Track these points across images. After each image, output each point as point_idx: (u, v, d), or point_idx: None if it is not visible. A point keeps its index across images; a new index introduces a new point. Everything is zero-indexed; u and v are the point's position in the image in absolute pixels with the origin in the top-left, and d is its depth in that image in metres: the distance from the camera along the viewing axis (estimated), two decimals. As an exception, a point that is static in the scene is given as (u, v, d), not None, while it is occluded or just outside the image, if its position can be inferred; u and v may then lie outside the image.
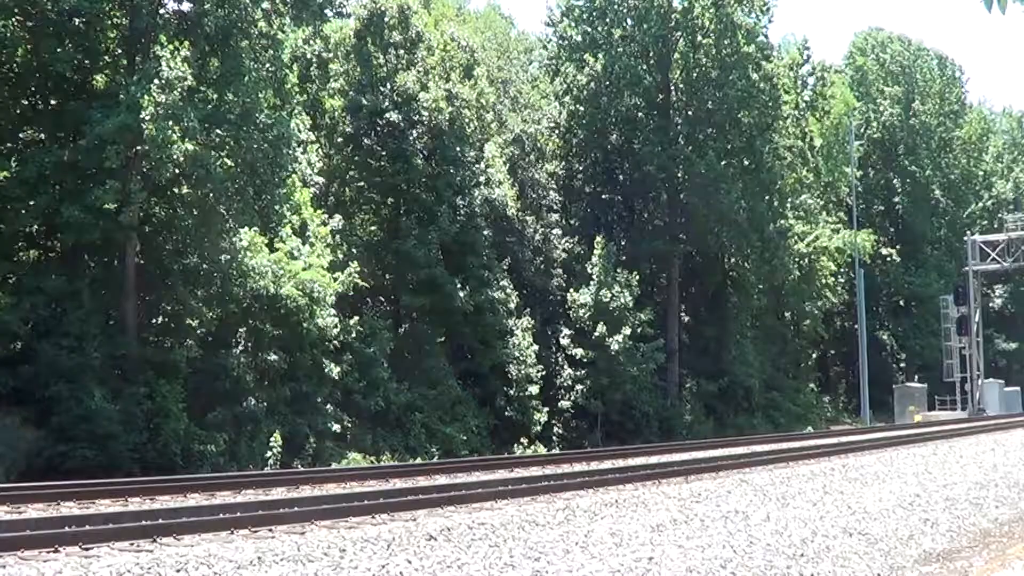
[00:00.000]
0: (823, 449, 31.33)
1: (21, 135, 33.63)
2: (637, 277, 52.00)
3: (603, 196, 60.76)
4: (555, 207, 56.69)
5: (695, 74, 60.44)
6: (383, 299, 47.63)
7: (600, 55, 59.05)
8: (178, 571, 11.34)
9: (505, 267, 47.95)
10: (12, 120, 33.27)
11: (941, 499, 22.06)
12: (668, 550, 14.35)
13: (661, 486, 21.61)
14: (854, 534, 17.17)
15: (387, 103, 44.81)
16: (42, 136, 33.47)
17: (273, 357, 34.86)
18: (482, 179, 47.91)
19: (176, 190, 33.13)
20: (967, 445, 35.03)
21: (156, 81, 30.88)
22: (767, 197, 60.68)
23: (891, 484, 23.74)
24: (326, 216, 41.05)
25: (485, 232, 47.36)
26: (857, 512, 19.29)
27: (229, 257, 34.01)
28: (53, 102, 33.74)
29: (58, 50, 31.99)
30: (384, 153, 45.14)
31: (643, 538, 15.12)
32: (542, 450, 43.47)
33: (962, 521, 20.00)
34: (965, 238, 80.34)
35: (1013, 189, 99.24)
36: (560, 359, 50.85)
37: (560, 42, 63.38)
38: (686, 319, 61.69)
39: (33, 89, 33.97)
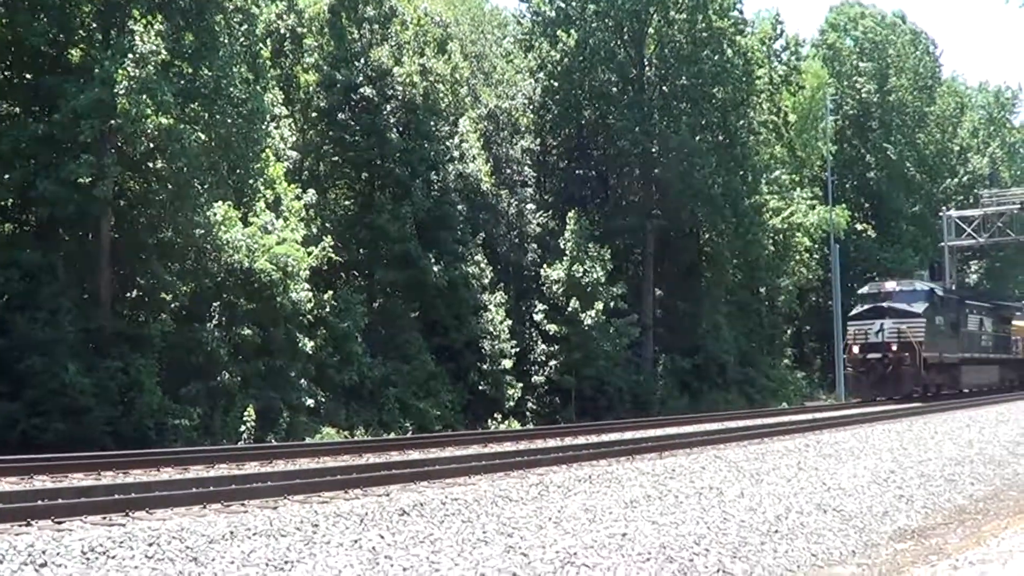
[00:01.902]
0: (797, 425, 31.43)
1: (-5, 109, 33.50)
2: (610, 252, 51.93)
3: (577, 171, 60.69)
4: (529, 182, 56.56)
5: (669, 49, 60.38)
6: (357, 274, 47.50)
7: (574, 31, 58.95)
8: (150, 545, 11.30)
9: (479, 242, 47.85)
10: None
11: (916, 475, 22.13)
12: (642, 526, 14.36)
13: (635, 462, 21.64)
14: (828, 511, 17.20)
15: (361, 78, 44.65)
16: (17, 110, 33.32)
17: (247, 331, 34.72)
18: (456, 154, 47.78)
19: (151, 164, 32.95)
20: (942, 421, 35.16)
21: (130, 55, 30.74)
22: (741, 172, 60.68)
23: (866, 460, 23.81)
24: (300, 190, 40.91)
25: (459, 207, 47.27)
26: (832, 489, 19.34)
27: (203, 231, 33.88)
28: (28, 76, 33.56)
29: (33, 24, 31.79)
30: (358, 128, 44.97)
31: (616, 514, 15.12)
32: (516, 425, 43.47)
33: (937, 498, 20.05)
34: (940, 214, 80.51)
35: (989, 164, 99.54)
36: (534, 334, 50.76)
37: (534, 18, 63.23)
38: (660, 294, 61.66)
39: (8, 63, 33.78)
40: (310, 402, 36.15)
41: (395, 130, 45.47)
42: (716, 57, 58.77)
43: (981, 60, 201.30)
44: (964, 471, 23.59)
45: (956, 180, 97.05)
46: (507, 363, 46.27)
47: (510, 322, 47.80)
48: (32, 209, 32.03)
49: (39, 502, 13.34)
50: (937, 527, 17.39)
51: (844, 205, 78.95)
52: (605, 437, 26.34)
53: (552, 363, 49.66)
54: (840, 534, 15.68)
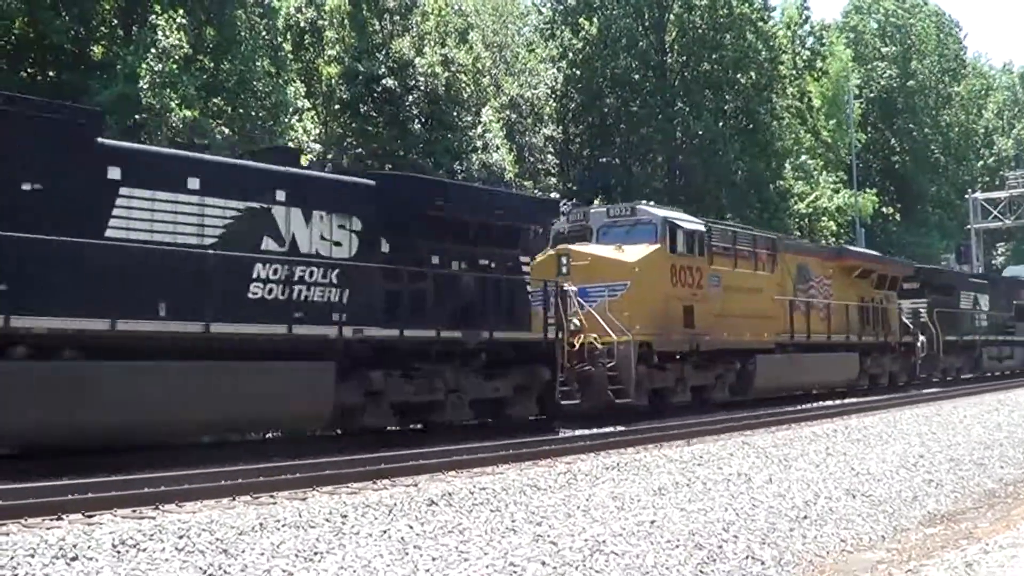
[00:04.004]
0: (826, 410, 31.39)
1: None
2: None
3: (601, 159, 60.68)
4: (553, 171, 56.54)
5: (690, 36, 60.30)
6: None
7: (595, 18, 58.91)
8: (180, 537, 11.33)
9: (504, 232, 47.80)
10: (11, 91, 33.15)
11: (945, 460, 22.04)
12: (670, 513, 14.34)
13: (663, 449, 21.62)
14: (857, 496, 17.15)
15: (383, 69, 44.69)
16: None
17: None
18: (479, 144, 47.77)
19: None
20: (970, 404, 35.01)
21: (153, 50, 30.86)
22: (766, 158, 60.56)
23: (894, 445, 23.74)
24: (324, 183, 40.91)
25: (484, 197, 47.25)
26: (860, 474, 19.28)
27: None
28: (51, 73, 33.71)
29: (55, 21, 31.92)
30: (381, 120, 45.03)
31: (645, 501, 15.11)
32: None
33: (966, 482, 19.96)
34: (966, 196, 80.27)
35: (1015, 146, 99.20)
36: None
37: (555, 5, 63.20)
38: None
39: (31, 60, 33.91)
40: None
41: (418, 121, 45.52)
42: (738, 42, 58.65)
43: (1006, 41, 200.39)
44: (993, 455, 23.48)
45: (982, 162, 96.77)
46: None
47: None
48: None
49: (69, 496, 13.40)
50: (967, 511, 17.32)
51: (873, 191, 78.62)
52: (632, 424, 26.34)
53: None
54: (869, 519, 15.63)
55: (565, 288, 26.81)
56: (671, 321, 29.57)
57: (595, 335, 27.14)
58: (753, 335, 33.19)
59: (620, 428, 24.92)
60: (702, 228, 31.39)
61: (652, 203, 34.45)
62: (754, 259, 34.32)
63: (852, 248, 48.05)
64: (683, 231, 30.26)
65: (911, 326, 45.87)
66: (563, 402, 25.59)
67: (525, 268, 25.61)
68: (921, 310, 47.10)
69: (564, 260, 28.53)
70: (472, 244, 23.59)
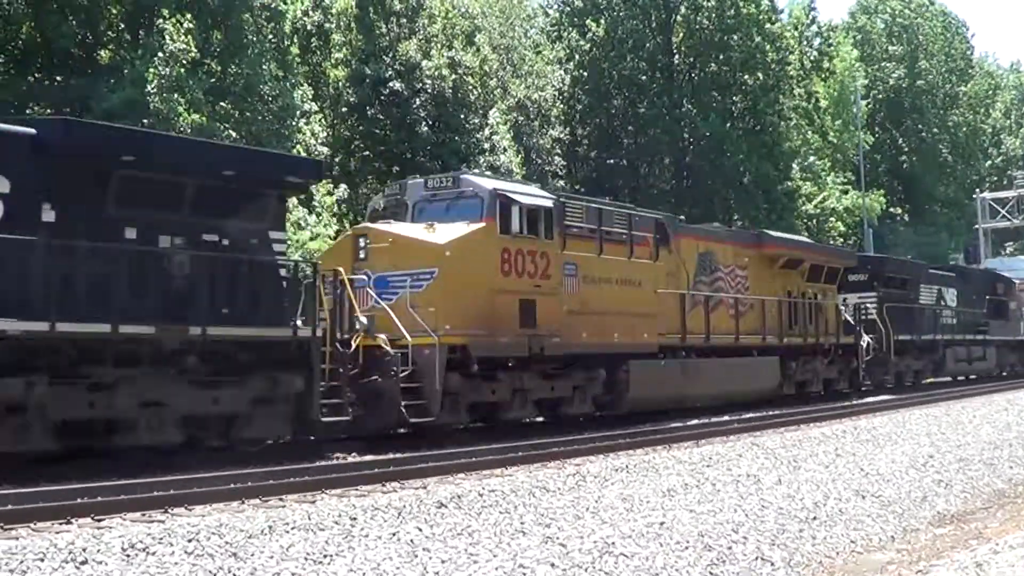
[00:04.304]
0: (834, 411, 31.33)
1: (28, 111, 33.65)
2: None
3: (608, 160, 60.71)
4: (560, 172, 56.57)
5: (697, 37, 60.32)
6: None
7: (602, 20, 58.94)
8: (190, 541, 11.34)
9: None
10: (19, 96, 33.29)
11: (954, 460, 22.02)
12: (679, 515, 14.34)
13: (672, 450, 21.62)
14: (867, 496, 17.13)
15: (390, 72, 44.75)
16: (49, 112, 33.50)
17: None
18: (487, 146, 47.80)
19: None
20: (979, 404, 34.97)
21: (160, 55, 30.91)
22: (773, 159, 60.55)
23: (903, 445, 23.71)
24: (331, 186, 41.01)
25: (491, 199, 47.30)
26: (870, 474, 19.26)
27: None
28: (59, 78, 33.78)
29: (62, 26, 31.99)
30: (388, 122, 45.09)
31: (654, 503, 15.11)
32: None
33: (976, 482, 19.93)
34: (974, 196, 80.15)
35: (1022, 145, 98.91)
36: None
37: (562, 7, 63.25)
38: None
39: (39, 65, 33.99)
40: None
41: (425, 124, 45.57)
42: (745, 43, 58.65)
43: (1013, 41, 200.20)
44: (1003, 455, 23.45)
45: (989, 162, 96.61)
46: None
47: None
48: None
49: (79, 500, 13.41)
50: (976, 511, 17.30)
51: (880, 191, 78.54)
52: (642, 426, 26.32)
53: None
54: (879, 520, 15.62)
55: (352, 277, 22.08)
56: (500, 319, 23.46)
57: (385, 336, 21.63)
58: (626, 336, 27.09)
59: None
60: (548, 204, 25.06)
61: (486, 172, 29.97)
62: (630, 243, 27.73)
63: (774, 233, 38.91)
64: (520, 207, 24.16)
65: (855, 325, 39.52)
66: (327, 419, 20.04)
67: (279, 247, 20.51)
68: (869, 306, 41.12)
69: (362, 242, 23.26)
70: (191, 214, 18.51)
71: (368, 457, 19.18)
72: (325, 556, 11.17)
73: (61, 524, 12.34)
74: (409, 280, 22.50)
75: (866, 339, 39.74)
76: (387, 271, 22.80)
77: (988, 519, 16.51)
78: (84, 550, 10.74)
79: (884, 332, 40.80)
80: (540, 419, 27.12)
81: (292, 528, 12.25)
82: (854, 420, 29.01)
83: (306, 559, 11.01)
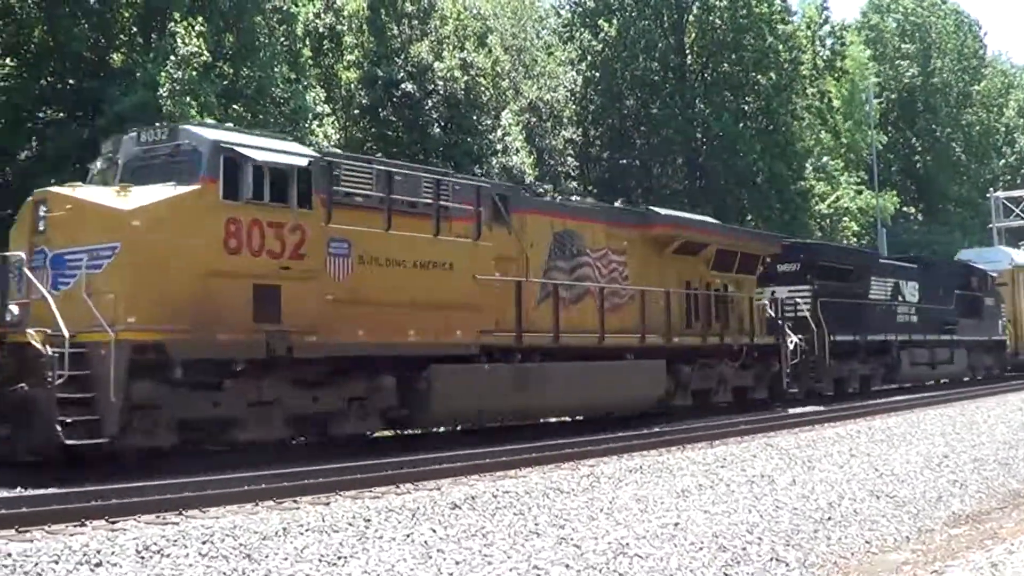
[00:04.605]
0: (848, 411, 31.28)
1: (41, 115, 33.74)
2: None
3: (621, 161, 60.65)
4: (573, 173, 56.55)
5: (710, 37, 60.29)
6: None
7: (614, 20, 58.94)
8: (204, 543, 11.36)
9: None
10: (31, 100, 33.34)
11: (969, 460, 21.98)
12: (694, 515, 14.33)
13: (685, 451, 21.63)
14: (881, 497, 17.11)
15: (402, 74, 44.75)
16: (62, 115, 33.59)
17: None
18: (499, 147, 47.76)
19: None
20: (994, 404, 34.93)
21: (172, 58, 30.93)
22: (786, 158, 60.45)
23: (918, 445, 23.68)
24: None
25: (504, 200, 47.32)
26: (884, 475, 19.24)
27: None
28: (71, 82, 33.82)
29: (74, 30, 32.03)
30: (401, 124, 45.08)
31: (668, 504, 15.10)
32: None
33: (991, 482, 19.89)
34: (988, 195, 79.99)
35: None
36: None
37: (574, 8, 63.26)
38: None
39: (51, 68, 34.02)
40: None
41: (437, 125, 45.53)
42: (758, 43, 58.59)
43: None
44: (1018, 455, 23.39)
45: (1003, 161, 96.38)
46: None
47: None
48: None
49: (93, 502, 13.44)
50: (992, 511, 17.26)
51: (893, 192, 78.41)
52: (655, 427, 26.31)
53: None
54: (894, 520, 15.59)
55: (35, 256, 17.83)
56: (222, 310, 18.34)
57: (41, 332, 16.75)
58: (428, 334, 21.65)
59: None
60: (302, 163, 19.74)
61: (227, 125, 24.20)
62: (439, 217, 22.17)
63: (665, 211, 32.13)
64: (255, 165, 18.93)
65: (780, 323, 34.09)
66: None
67: None
68: (800, 301, 35.75)
69: (42, 211, 18.18)
70: None
71: (374, 459, 18.68)
72: (339, 558, 11.18)
73: (75, 526, 12.36)
74: (86, 258, 17.47)
75: (793, 339, 33.84)
76: (66, 247, 17.81)
77: (1003, 519, 16.47)
78: (99, 552, 10.76)
79: (819, 331, 35.47)
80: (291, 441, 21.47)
81: (306, 530, 12.27)
82: (868, 420, 29.01)
83: (320, 560, 11.02)
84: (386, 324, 20.81)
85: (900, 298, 42.96)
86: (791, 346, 33.64)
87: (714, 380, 31.04)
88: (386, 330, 20.82)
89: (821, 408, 32.88)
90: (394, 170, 22.03)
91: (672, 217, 31.66)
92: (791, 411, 32.47)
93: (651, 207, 33.05)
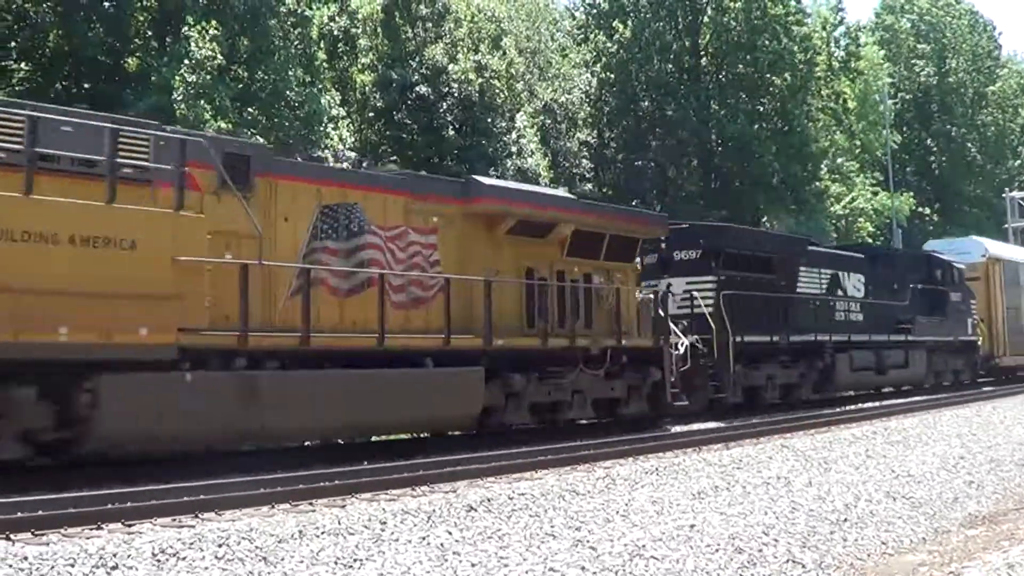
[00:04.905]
0: (864, 412, 31.13)
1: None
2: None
3: (636, 163, 60.65)
4: (587, 175, 56.58)
5: (724, 38, 60.27)
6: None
7: (629, 21, 58.95)
8: (220, 546, 11.36)
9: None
10: (46, 103, 33.44)
11: (985, 461, 21.93)
12: (710, 517, 14.31)
13: (701, 453, 21.59)
14: (898, 498, 17.08)
15: (416, 77, 44.82)
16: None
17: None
18: (514, 149, 47.82)
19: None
20: (1011, 405, 34.83)
21: (186, 62, 31.03)
22: (802, 160, 60.40)
23: (934, 446, 23.63)
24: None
25: (519, 203, 47.37)
26: (900, 476, 19.20)
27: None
28: (86, 86, 33.94)
29: (89, 34, 32.13)
30: (415, 127, 45.15)
31: (684, 506, 15.08)
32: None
33: (1007, 483, 19.85)
34: (1003, 195, 79.83)
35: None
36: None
37: (588, 10, 63.29)
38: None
39: (66, 73, 34.14)
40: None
41: (452, 128, 45.58)
42: (773, 44, 58.56)
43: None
44: (1035, 455, 23.36)
45: (1019, 161, 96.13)
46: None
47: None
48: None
49: (109, 505, 13.45)
50: (1008, 512, 17.21)
51: (909, 193, 78.32)
52: (671, 428, 26.27)
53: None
54: (910, 521, 15.56)
55: None
56: None
57: None
58: (91, 332, 15.90)
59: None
60: None
61: None
62: (112, 180, 16.31)
63: (492, 182, 26.52)
64: None
65: (666, 321, 27.73)
66: None
67: None
68: (698, 294, 30.08)
69: None
70: None
71: (390, 462, 18.44)
72: (355, 560, 11.18)
73: (92, 529, 12.36)
74: None
75: (685, 341, 28.09)
76: None
77: (1020, 520, 16.41)
78: (115, 555, 10.77)
79: (719, 331, 29.77)
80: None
81: (322, 533, 12.26)
82: (884, 421, 28.92)
83: (336, 563, 11.02)
84: (21, 318, 15.20)
85: (840, 292, 37.27)
86: (681, 349, 27.95)
87: (565, 392, 24.41)
88: (21, 326, 15.20)
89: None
90: (44, 116, 16.21)
91: (500, 189, 25.30)
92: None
93: (474, 176, 26.75)
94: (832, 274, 36.88)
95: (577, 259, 25.95)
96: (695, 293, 30.10)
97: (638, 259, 28.67)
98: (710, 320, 29.73)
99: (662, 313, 27.80)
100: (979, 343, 46.28)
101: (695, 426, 27.26)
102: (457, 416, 22.18)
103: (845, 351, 36.03)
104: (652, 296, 28.08)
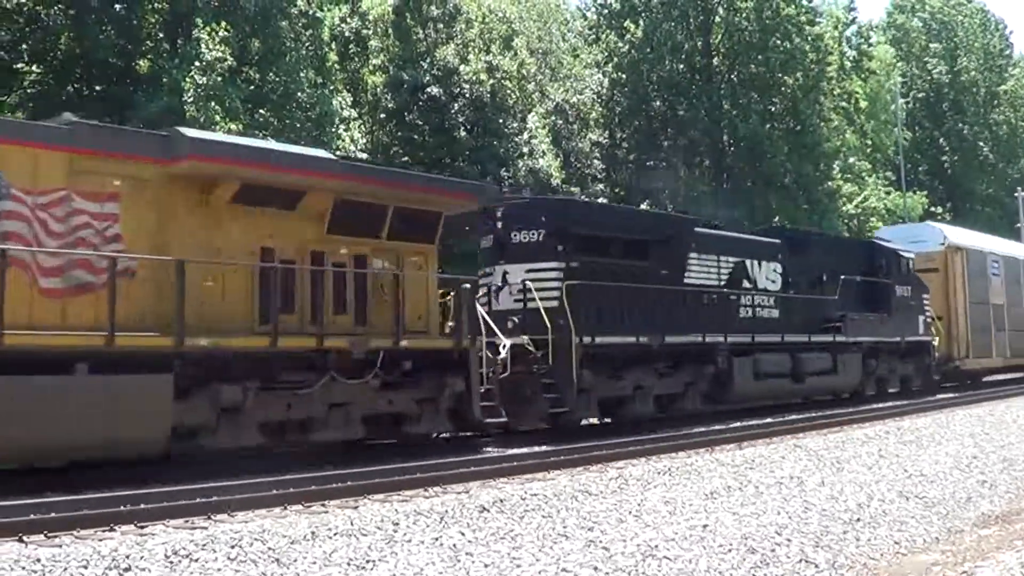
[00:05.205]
0: (877, 412, 30.88)
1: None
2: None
3: (647, 163, 60.62)
4: (599, 176, 56.56)
5: (736, 38, 60.23)
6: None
7: (640, 21, 58.94)
8: (232, 547, 11.36)
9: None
10: (58, 106, 33.52)
11: (999, 460, 21.87)
12: (722, 517, 14.28)
13: (714, 453, 21.55)
14: (911, 498, 17.03)
15: (428, 78, 44.85)
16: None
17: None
18: (525, 150, 47.83)
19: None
20: None
21: (197, 63, 31.07)
22: (814, 159, 60.35)
23: (947, 446, 23.56)
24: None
25: (531, 203, 47.41)
26: (913, 475, 19.15)
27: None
28: (98, 88, 34.02)
29: (100, 36, 32.20)
30: (427, 128, 45.19)
31: (697, 506, 15.06)
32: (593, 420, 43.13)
33: (1021, 482, 19.78)
34: (1016, 194, 79.68)
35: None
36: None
37: (600, 10, 63.29)
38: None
39: (78, 75, 34.23)
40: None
41: (463, 128, 45.60)
42: (785, 44, 58.51)
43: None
44: (1048, 454, 23.30)
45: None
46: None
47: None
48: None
49: (122, 507, 13.46)
50: (1021, 512, 17.16)
51: (923, 192, 78.22)
52: (683, 429, 26.13)
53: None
54: (923, 521, 15.52)
55: None
56: None
57: None
58: None
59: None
60: None
61: None
62: None
63: (202, 135, 20.38)
64: None
65: (482, 318, 22.33)
66: None
67: None
68: (535, 284, 23.97)
69: None
70: None
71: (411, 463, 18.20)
72: (368, 562, 11.17)
73: (104, 531, 12.38)
74: None
75: (506, 342, 22.62)
76: None
77: (1034, 519, 16.38)
78: (127, 557, 10.78)
79: (552, 328, 23.26)
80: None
81: (335, 534, 12.26)
82: (897, 421, 28.83)
83: (349, 564, 11.02)
84: None
85: (747, 284, 30.91)
86: (503, 352, 22.49)
87: (314, 406, 19.19)
88: None
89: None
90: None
91: (216, 144, 19.58)
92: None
93: (180, 128, 19.71)
94: (736, 263, 30.54)
95: (345, 237, 20.53)
96: (529, 283, 24.01)
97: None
98: (545, 317, 23.24)
99: (485, 310, 23.05)
100: (935, 344, 39.47)
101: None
102: (130, 439, 16.37)
103: (749, 354, 29.66)
104: (468, 286, 22.23)
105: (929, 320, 39.14)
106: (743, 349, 29.43)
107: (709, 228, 31.65)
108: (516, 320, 23.78)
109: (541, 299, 23.59)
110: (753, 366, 29.61)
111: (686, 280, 28.41)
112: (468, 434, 22.90)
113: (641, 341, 25.88)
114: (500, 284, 24.44)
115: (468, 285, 22.31)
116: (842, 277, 34.54)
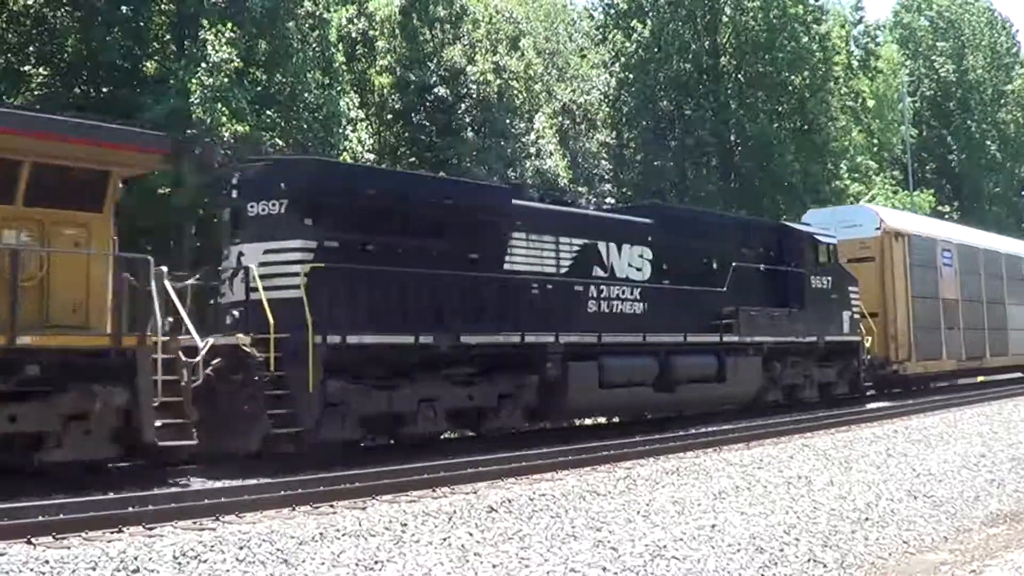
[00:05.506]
0: (885, 412, 30.76)
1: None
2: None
3: (655, 163, 60.54)
4: (606, 176, 56.52)
5: (744, 37, 60.19)
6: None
7: (647, 21, 58.91)
8: (241, 548, 11.38)
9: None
10: (65, 108, 33.54)
11: (1007, 459, 21.86)
12: (731, 517, 14.28)
13: (722, 453, 21.52)
14: (919, 497, 17.04)
15: (435, 78, 44.84)
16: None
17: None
18: (533, 150, 47.79)
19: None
20: (1031, 403, 34.70)
21: (203, 65, 31.07)
22: (821, 159, 60.28)
23: (955, 445, 23.54)
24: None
25: (538, 204, 47.38)
26: (921, 475, 19.14)
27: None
28: (104, 90, 34.01)
29: (107, 38, 32.23)
30: (434, 128, 45.18)
31: (705, 506, 15.05)
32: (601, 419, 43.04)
33: (1028, 480, 19.82)
34: (1023, 193, 79.59)
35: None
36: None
37: (607, 10, 63.28)
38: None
39: (84, 77, 34.24)
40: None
41: (470, 129, 45.57)
42: (792, 44, 58.46)
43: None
44: (1057, 453, 23.28)
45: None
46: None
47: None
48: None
49: (130, 509, 13.47)
50: (1030, 510, 17.20)
51: (930, 190, 78.07)
52: (691, 429, 26.03)
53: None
54: (931, 520, 15.53)
55: None
56: None
57: None
58: None
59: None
60: None
61: None
62: None
63: None
64: None
65: (156, 307, 16.85)
66: None
67: None
68: (264, 270, 19.24)
69: None
70: None
71: (411, 463, 17.54)
72: (376, 562, 11.18)
73: (113, 533, 12.39)
74: None
75: (201, 343, 17.66)
76: None
77: (1042, 518, 16.39)
78: (136, 558, 10.79)
79: (275, 326, 18.15)
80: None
81: (343, 534, 12.27)
82: (905, 420, 28.77)
83: (357, 565, 11.03)
84: None
85: (600, 271, 25.38)
86: (200, 355, 17.50)
87: None
88: None
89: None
90: None
91: None
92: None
93: None
94: (584, 246, 25.02)
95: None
96: (256, 268, 19.13)
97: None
98: (267, 310, 18.21)
99: (177, 301, 18.00)
100: (865, 345, 34.40)
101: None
102: None
103: (591, 358, 24.14)
104: (152, 267, 17.03)
105: (857, 317, 33.73)
106: (585, 351, 24.01)
107: (541, 203, 26.68)
108: (236, 314, 19.28)
109: (281, 287, 18.93)
110: (597, 373, 24.07)
111: (507, 266, 23.01)
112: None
113: (422, 342, 20.50)
114: (235, 268, 19.73)
115: (151, 265, 17.04)
116: (734, 265, 29.10)
